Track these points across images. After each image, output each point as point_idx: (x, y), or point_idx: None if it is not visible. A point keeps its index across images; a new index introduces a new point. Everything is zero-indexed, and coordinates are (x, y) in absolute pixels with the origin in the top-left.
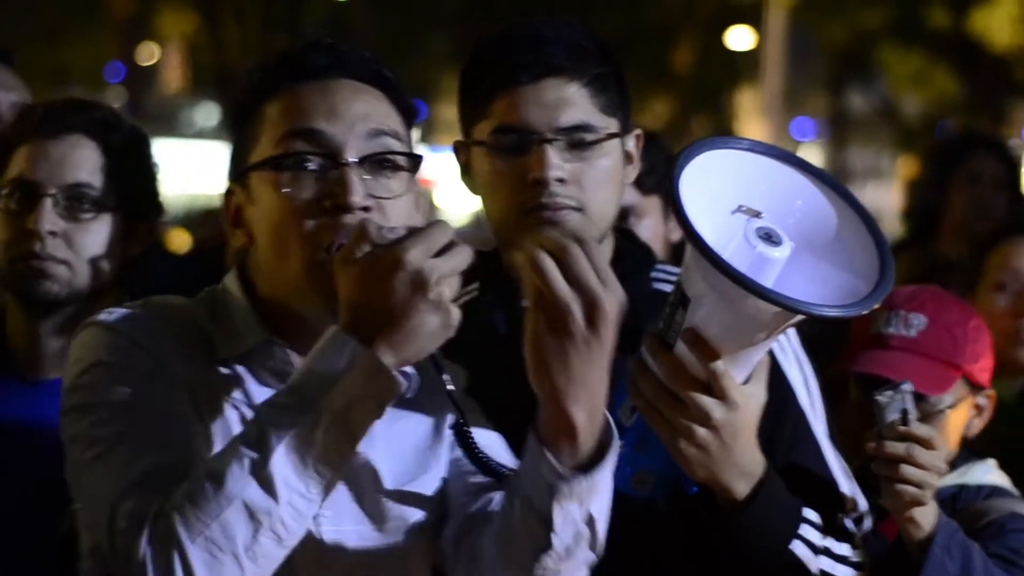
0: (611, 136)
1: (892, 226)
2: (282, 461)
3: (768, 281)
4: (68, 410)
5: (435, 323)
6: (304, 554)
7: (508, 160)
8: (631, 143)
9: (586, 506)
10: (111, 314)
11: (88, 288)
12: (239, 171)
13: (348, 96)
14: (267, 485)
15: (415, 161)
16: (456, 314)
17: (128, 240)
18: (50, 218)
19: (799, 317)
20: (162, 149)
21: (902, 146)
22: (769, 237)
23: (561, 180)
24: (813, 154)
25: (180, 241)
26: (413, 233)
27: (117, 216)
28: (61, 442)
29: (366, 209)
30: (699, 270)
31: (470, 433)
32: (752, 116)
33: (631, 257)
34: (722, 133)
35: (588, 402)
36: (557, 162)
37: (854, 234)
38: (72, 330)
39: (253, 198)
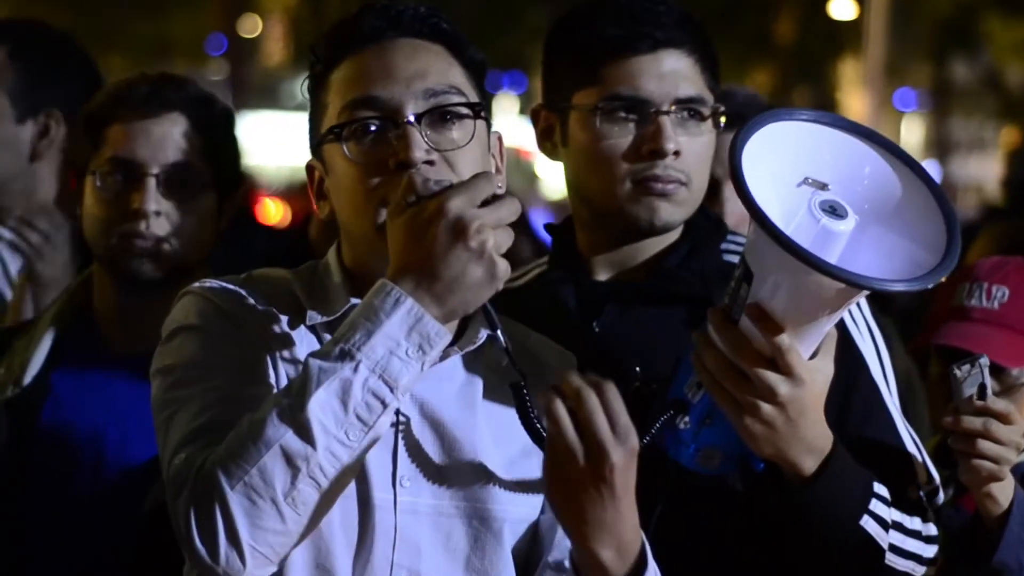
0: (716, 111)
1: (996, 197)
2: (319, 407)
3: (833, 255)
4: (153, 373)
5: (478, 273)
6: (377, 519)
7: (620, 128)
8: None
9: None
10: (206, 282)
11: (185, 266)
12: (314, 144)
13: (405, 56)
14: (304, 431)
15: (477, 109)
16: (504, 266)
17: (219, 216)
18: (154, 198)
19: (865, 291)
20: (263, 122)
21: (1006, 116)
22: (834, 210)
23: (676, 153)
24: (916, 124)
25: (280, 213)
26: (457, 184)
27: (212, 193)
28: None
29: (430, 163)
30: (762, 245)
31: (527, 394)
32: (854, 86)
33: (701, 229)
34: (824, 104)
35: (611, 541)
36: (673, 134)
37: (922, 205)
38: (162, 304)
39: (328, 168)
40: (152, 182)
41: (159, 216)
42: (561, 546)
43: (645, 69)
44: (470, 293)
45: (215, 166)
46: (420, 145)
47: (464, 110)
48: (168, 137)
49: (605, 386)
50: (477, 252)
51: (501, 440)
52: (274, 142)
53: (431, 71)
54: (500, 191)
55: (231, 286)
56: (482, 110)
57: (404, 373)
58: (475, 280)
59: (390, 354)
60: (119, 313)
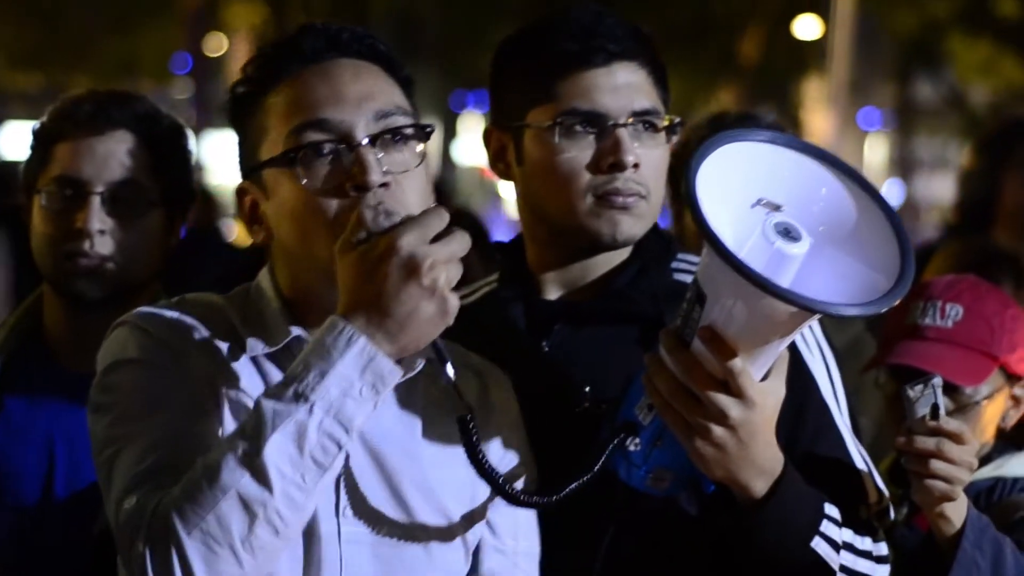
0: (671, 124)
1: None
2: (276, 451)
3: (787, 278)
4: (91, 408)
5: (431, 310)
6: (323, 551)
7: (579, 143)
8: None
9: None
10: (140, 312)
11: (132, 284)
12: (250, 167)
13: (350, 77)
14: (260, 475)
15: (424, 131)
16: (454, 302)
17: (168, 233)
18: (99, 217)
19: (819, 314)
20: (229, 140)
21: (969, 135)
22: (788, 232)
23: (636, 166)
24: (880, 143)
25: (243, 232)
26: (408, 219)
27: (160, 210)
28: None
29: (385, 186)
30: (715, 268)
31: (474, 430)
32: (818, 105)
33: (651, 248)
34: (788, 122)
35: None
36: (632, 147)
37: (877, 228)
38: (111, 322)
39: (268, 193)
40: (96, 200)
41: (103, 235)
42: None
43: (600, 83)
44: (422, 330)
45: (163, 183)
46: (376, 168)
47: (411, 131)
48: (113, 155)
49: None
50: (429, 289)
51: (441, 467)
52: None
53: (377, 92)
54: (450, 225)
55: (167, 314)
56: (431, 132)
57: (358, 413)
58: (427, 317)
59: (344, 395)
60: (69, 332)
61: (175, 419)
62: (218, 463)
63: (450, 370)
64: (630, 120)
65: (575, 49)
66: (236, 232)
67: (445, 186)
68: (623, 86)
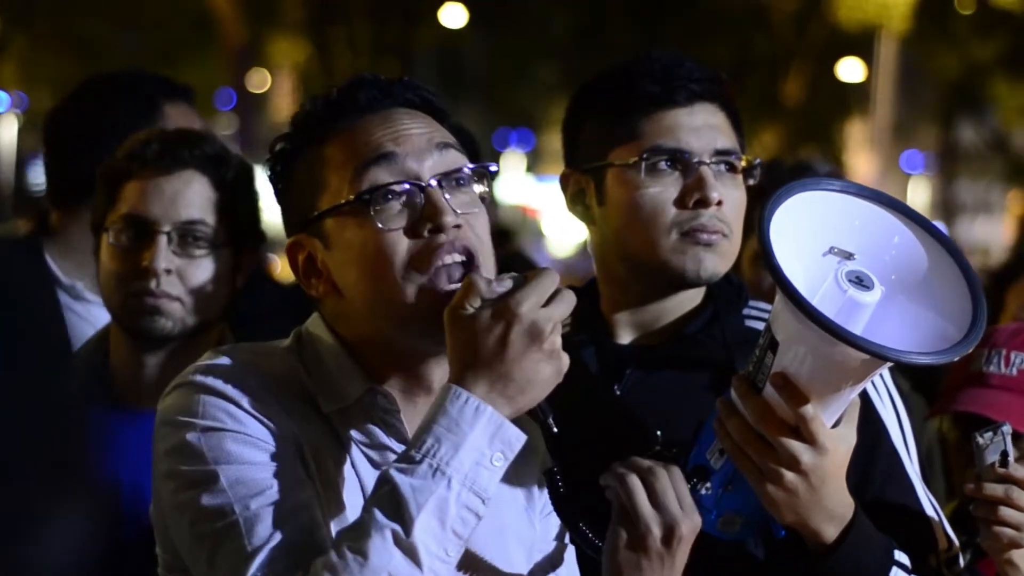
0: (751, 166)
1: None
2: (423, 530)
3: (858, 326)
4: (168, 474)
5: (549, 371)
6: None
7: (664, 180)
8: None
9: None
10: (204, 371)
11: (199, 323)
12: (306, 220)
13: (408, 121)
14: (411, 554)
15: (486, 174)
16: (566, 360)
17: (236, 272)
18: (166, 256)
19: (891, 362)
20: None
21: (1013, 180)
22: (860, 281)
23: (719, 203)
24: (922, 187)
25: (286, 268)
26: (521, 284)
27: (227, 250)
28: None
29: (458, 227)
30: (788, 315)
31: (561, 483)
32: (862, 148)
33: (724, 294)
34: (832, 165)
35: None
36: (716, 184)
37: (948, 277)
38: (177, 362)
39: (332, 243)
40: (163, 240)
41: (170, 274)
42: None
43: (684, 122)
44: (539, 390)
45: (230, 222)
46: (448, 209)
47: (473, 172)
48: (181, 194)
49: (671, 468)
50: (549, 352)
51: (510, 510)
52: None
53: (435, 134)
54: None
55: (235, 373)
56: (495, 173)
57: (492, 482)
58: (545, 378)
59: (477, 465)
60: (134, 370)
61: (278, 491)
62: (365, 544)
63: (553, 424)
64: (713, 159)
65: (658, 90)
66: (280, 267)
67: (500, 226)
68: (704, 126)
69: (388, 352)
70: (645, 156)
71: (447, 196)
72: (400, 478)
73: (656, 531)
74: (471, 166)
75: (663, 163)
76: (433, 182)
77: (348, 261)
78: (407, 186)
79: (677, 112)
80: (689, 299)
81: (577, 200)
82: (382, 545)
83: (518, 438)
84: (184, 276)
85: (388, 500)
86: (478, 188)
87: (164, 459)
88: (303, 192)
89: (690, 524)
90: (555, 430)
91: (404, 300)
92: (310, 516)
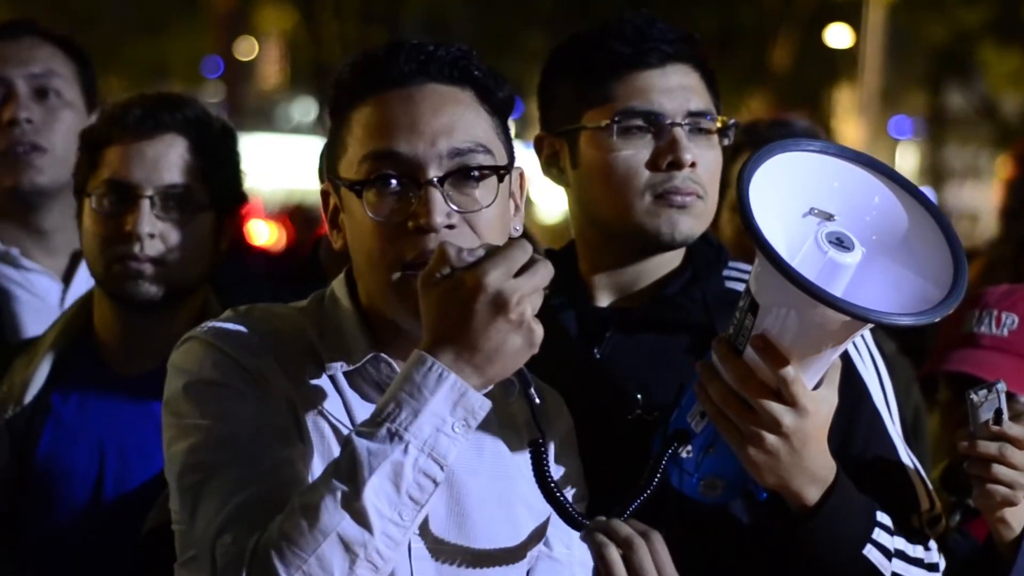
0: (724, 126)
1: (991, 226)
2: (374, 492)
3: (839, 287)
4: (168, 422)
5: (518, 342)
6: (394, 567)
7: (636, 142)
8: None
9: None
10: (213, 328)
11: (183, 287)
12: (331, 175)
13: (432, 107)
14: (361, 517)
15: (501, 171)
16: (539, 332)
17: (218, 236)
18: (149, 220)
19: (872, 324)
20: (259, 144)
21: (1001, 145)
22: (840, 242)
23: (693, 164)
24: (910, 152)
25: (275, 236)
26: (492, 253)
27: (210, 214)
28: (156, 433)
29: (450, 227)
30: (768, 277)
31: (545, 454)
32: (850, 114)
33: (703, 256)
34: (820, 131)
35: None
36: (690, 146)
37: (928, 237)
38: (161, 325)
39: (345, 207)
40: (146, 204)
41: (153, 238)
42: None
43: (656, 83)
44: (509, 361)
45: (213, 186)
46: (442, 209)
47: (488, 169)
48: (163, 158)
49: (652, 535)
50: (517, 323)
51: (503, 483)
52: (269, 164)
53: (457, 126)
54: (533, 255)
55: (242, 332)
56: (507, 171)
57: (451, 449)
58: (515, 349)
59: (437, 431)
60: (119, 334)
61: (262, 447)
62: (317, 504)
63: (535, 395)
64: (686, 120)
65: (630, 51)
66: (268, 235)
67: None
68: (677, 87)
69: (388, 319)
70: (617, 119)
71: (450, 193)
72: (358, 441)
73: None
74: (480, 166)
75: (635, 125)
76: (434, 179)
77: (352, 232)
78: (398, 183)
79: (649, 73)
80: (668, 261)
81: (551, 163)
82: (333, 506)
83: (482, 407)
84: (167, 240)
85: (345, 462)
86: (493, 184)
87: (164, 408)
88: (334, 146)
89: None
90: (537, 401)
91: (383, 283)
92: (291, 476)
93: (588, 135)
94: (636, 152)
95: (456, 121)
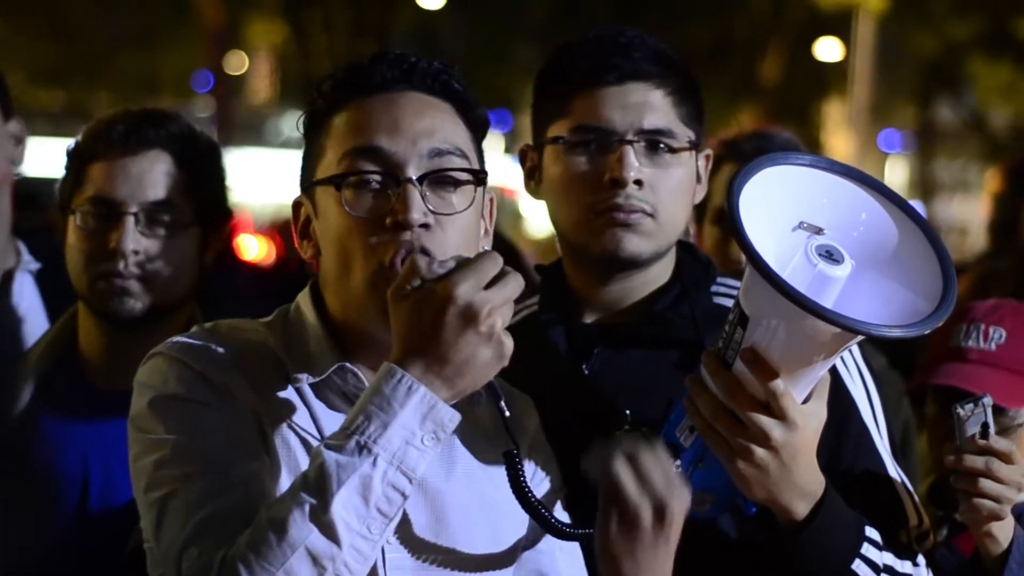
0: (691, 145)
1: (980, 240)
2: (343, 506)
3: (829, 300)
4: (134, 437)
5: (488, 355)
6: None
7: (585, 159)
8: (701, 162)
9: None
10: (178, 344)
11: (167, 303)
12: (306, 184)
13: (413, 111)
14: (329, 531)
15: (480, 177)
16: (509, 345)
17: (203, 252)
18: (133, 237)
19: (860, 336)
20: (249, 158)
21: (990, 159)
22: (830, 255)
23: (638, 183)
24: (900, 166)
25: (264, 251)
26: (462, 266)
27: (195, 229)
28: None
29: (425, 226)
30: (758, 289)
31: (520, 463)
32: (839, 127)
33: (691, 271)
34: (808, 144)
35: None
36: (636, 164)
37: (918, 251)
38: (146, 342)
39: (318, 211)
40: (130, 221)
41: (138, 254)
42: None
43: (610, 100)
44: (479, 374)
45: (197, 201)
46: (419, 207)
47: (466, 176)
48: (147, 174)
49: (655, 443)
50: (487, 335)
51: (480, 492)
52: (259, 179)
53: (438, 130)
54: (504, 268)
55: (206, 346)
56: (484, 178)
57: (420, 462)
58: (485, 362)
59: (406, 444)
60: (103, 351)
61: (228, 461)
62: (285, 518)
63: (504, 408)
64: (636, 137)
65: (588, 66)
66: (258, 249)
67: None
68: (633, 104)
69: (358, 328)
70: (568, 134)
71: (427, 194)
72: (327, 454)
73: (647, 513)
74: (460, 168)
75: (584, 140)
76: (413, 177)
77: (326, 236)
78: (378, 179)
79: (606, 91)
80: (655, 277)
81: (530, 176)
82: (301, 520)
83: (451, 419)
84: (151, 257)
85: (313, 475)
86: (470, 192)
87: (130, 424)
88: (312, 154)
89: (680, 502)
90: (507, 414)
91: (360, 284)
92: (258, 489)
93: (550, 150)
94: (585, 169)
95: (437, 125)
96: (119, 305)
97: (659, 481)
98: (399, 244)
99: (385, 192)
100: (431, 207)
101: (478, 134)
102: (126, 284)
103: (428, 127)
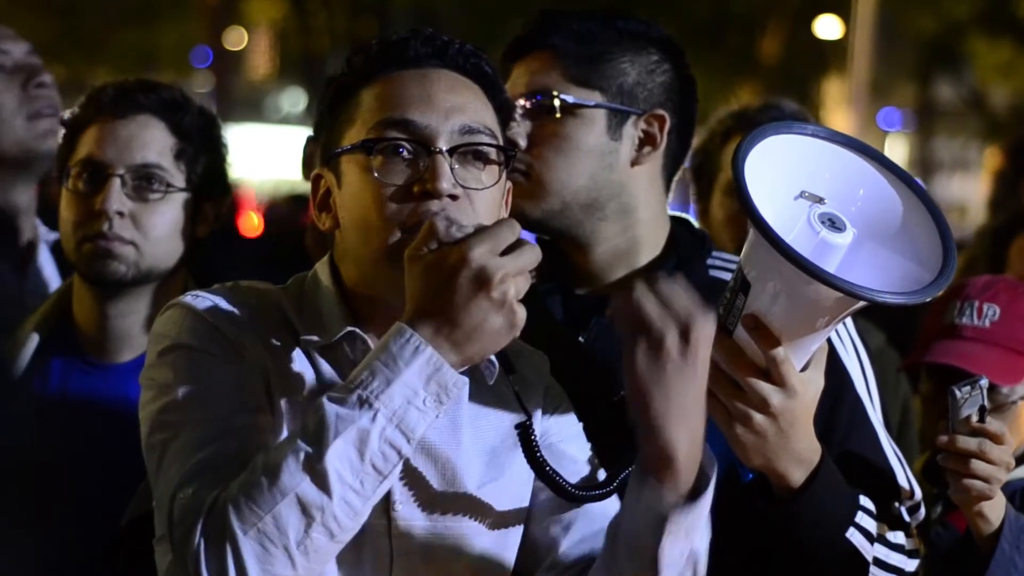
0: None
1: (979, 217)
2: (337, 457)
3: (830, 267)
4: (145, 384)
5: (499, 322)
6: (373, 545)
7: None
8: (642, 125)
9: (691, 540)
10: (198, 297)
11: (155, 269)
12: (330, 154)
13: (446, 87)
14: (321, 480)
15: (506, 155)
16: (522, 314)
17: (196, 221)
18: (118, 198)
19: (861, 303)
20: (248, 134)
21: (989, 137)
22: (832, 223)
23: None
24: (899, 144)
25: (260, 227)
26: (480, 231)
27: (186, 197)
28: (134, 425)
29: (453, 197)
30: (761, 254)
31: (533, 434)
32: (839, 106)
33: (686, 244)
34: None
35: (687, 427)
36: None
37: (918, 222)
38: (138, 312)
39: (342, 182)
40: (116, 182)
41: (123, 217)
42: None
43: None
44: (489, 341)
45: (188, 169)
46: (448, 177)
47: (495, 154)
48: (135, 138)
49: (676, 277)
50: (499, 302)
51: (492, 459)
52: (258, 155)
53: (469, 108)
54: (521, 237)
55: (223, 302)
56: (512, 157)
57: (421, 422)
58: (495, 329)
59: (408, 403)
60: (96, 321)
61: (229, 411)
62: (279, 464)
63: (514, 380)
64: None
65: None
66: (257, 224)
67: None
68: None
69: (373, 297)
70: None
71: (455, 167)
72: (328, 405)
73: (672, 333)
74: (490, 144)
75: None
76: (444, 149)
77: (349, 203)
78: (409, 148)
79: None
80: (649, 248)
81: None
82: (295, 466)
83: (456, 384)
84: (138, 220)
85: (312, 424)
86: (496, 170)
87: (143, 373)
88: (337, 127)
89: (704, 323)
90: (515, 389)
91: (380, 250)
92: (258, 440)
93: None
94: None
95: (468, 103)
96: (103, 268)
97: (681, 301)
98: (424, 213)
99: (415, 162)
100: (460, 180)
101: (504, 117)
102: (110, 246)
103: (460, 104)
